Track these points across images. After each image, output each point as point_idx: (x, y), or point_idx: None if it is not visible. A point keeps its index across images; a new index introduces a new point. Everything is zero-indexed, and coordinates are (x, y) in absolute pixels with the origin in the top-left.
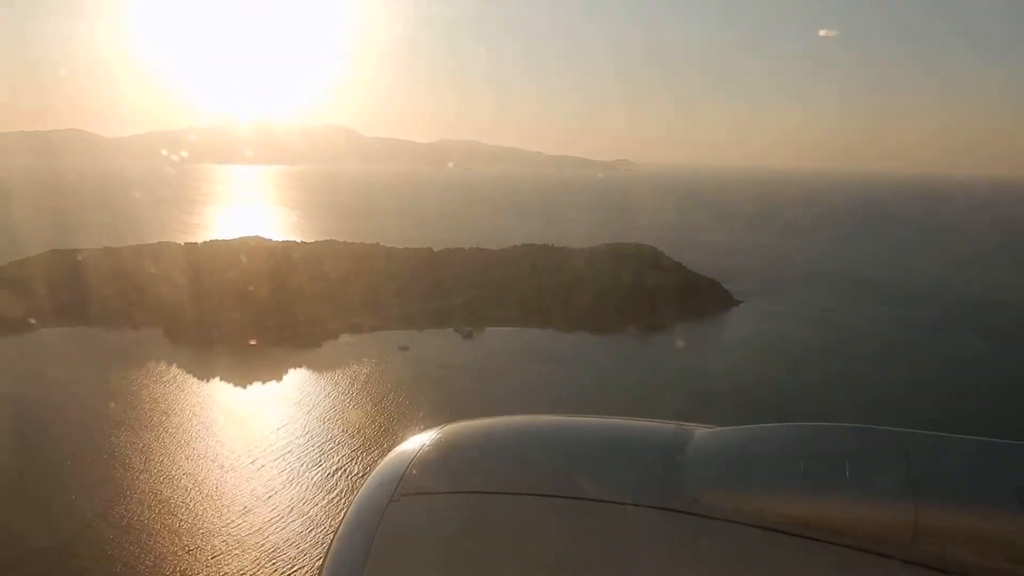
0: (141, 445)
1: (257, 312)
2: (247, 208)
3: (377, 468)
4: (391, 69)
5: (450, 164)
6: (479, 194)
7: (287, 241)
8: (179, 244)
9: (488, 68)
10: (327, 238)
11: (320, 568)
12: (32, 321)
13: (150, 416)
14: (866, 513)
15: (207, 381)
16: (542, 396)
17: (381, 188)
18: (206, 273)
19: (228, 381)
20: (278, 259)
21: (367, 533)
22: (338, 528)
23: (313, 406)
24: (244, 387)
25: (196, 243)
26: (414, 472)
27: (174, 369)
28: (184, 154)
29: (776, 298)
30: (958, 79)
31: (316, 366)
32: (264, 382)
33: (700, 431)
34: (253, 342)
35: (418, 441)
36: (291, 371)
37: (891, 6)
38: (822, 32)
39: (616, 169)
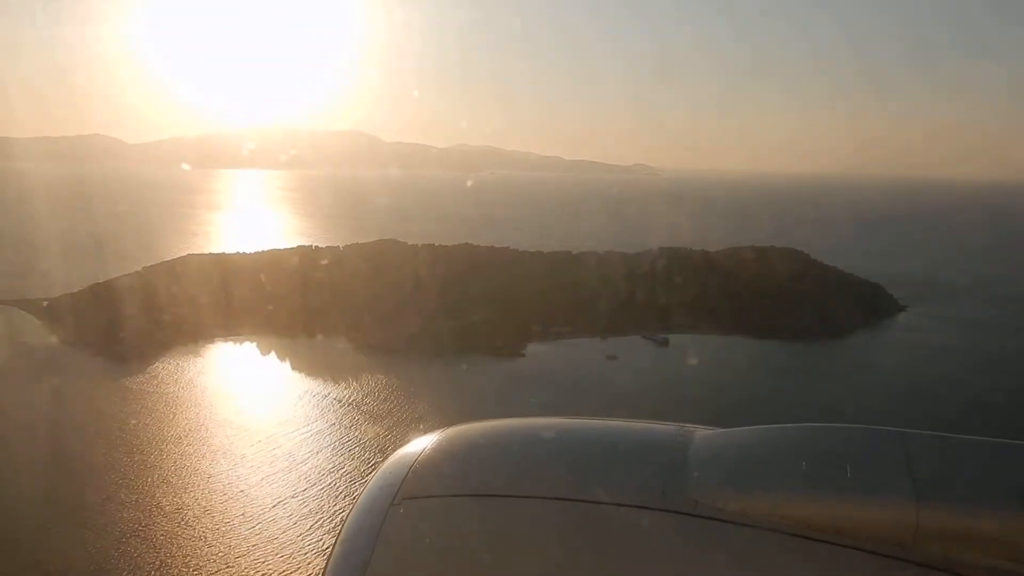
0: None
1: (439, 318)
2: (297, 213)
3: (379, 472)
4: (409, 74)
5: (483, 171)
6: (531, 198)
7: (425, 244)
8: (319, 247)
9: (503, 73)
10: (464, 242)
11: (323, 571)
12: (201, 330)
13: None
14: (868, 514)
15: (445, 395)
16: (787, 411)
17: (421, 191)
18: (362, 278)
19: (464, 395)
20: (424, 263)
21: (369, 537)
22: (340, 531)
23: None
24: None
25: (337, 247)
26: (416, 476)
27: (394, 380)
28: (200, 160)
29: (939, 304)
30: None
31: (536, 377)
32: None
33: (701, 432)
34: (444, 351)
35: (420, 444)
36: (517, 382)
37: (901, 11)
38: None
39: (635, 173)
